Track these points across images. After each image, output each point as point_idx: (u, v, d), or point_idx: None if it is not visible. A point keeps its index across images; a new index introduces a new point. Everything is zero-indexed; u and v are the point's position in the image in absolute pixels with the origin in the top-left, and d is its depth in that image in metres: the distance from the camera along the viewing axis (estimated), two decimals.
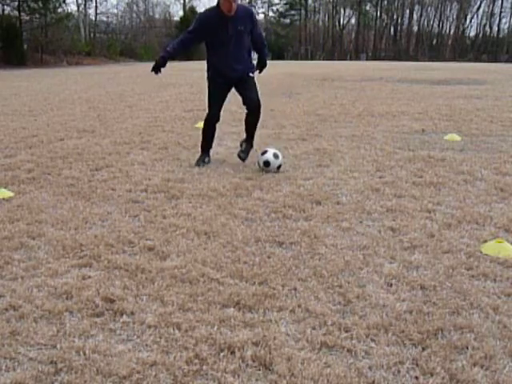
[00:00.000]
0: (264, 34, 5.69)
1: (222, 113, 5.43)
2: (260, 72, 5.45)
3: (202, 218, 3.74)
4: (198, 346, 2.17)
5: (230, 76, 5.18)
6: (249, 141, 5.55)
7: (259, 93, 5.36)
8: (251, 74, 5.30)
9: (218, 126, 7.90)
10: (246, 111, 5.44)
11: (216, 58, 5.20)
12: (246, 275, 2.82)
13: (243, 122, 8.19)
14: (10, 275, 2.84)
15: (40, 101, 11.84)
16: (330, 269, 2.90)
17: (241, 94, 5.37)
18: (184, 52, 5.45)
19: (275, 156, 5.07)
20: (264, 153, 5.13)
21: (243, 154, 5.45)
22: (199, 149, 6.22)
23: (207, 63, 5.35)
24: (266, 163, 5.05)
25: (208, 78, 5.37)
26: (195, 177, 4.90)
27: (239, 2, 5.05)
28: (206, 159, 5.49)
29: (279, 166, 5.09)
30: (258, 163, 5.14)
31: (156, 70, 5.21)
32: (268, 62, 5.57)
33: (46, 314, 2.43)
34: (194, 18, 5.26)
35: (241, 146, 5.60)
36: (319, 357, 2.11)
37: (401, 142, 6.65)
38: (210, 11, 5.10)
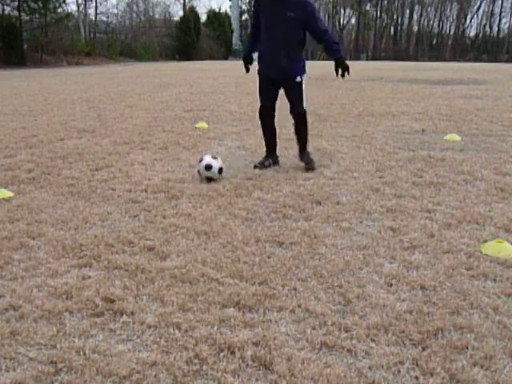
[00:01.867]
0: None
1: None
2: (342, 76, 4.75)
3: (202, 218, 3.74)
4: (198, 346, 2.17)
5: (274, 70, 4.84)
6: (304, 153, 5.21)
7: (305, 101, 5.01)
8: (298, 79, 4.88)
9: (217, 126, 7.94)
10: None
11: (263, 46, 4.89)
12: (245, 275, 2.82)
13: (243, 122, 8.25)
14: (10, 275, 2.84)
15: (40, 101, 11.84)
16: (330, 269, 2.90)
17: (287, 98, 5.08)
18: (257, 41, 5.05)
19: (207, 168, 4.70)
20: (201, 160, 4.78)
21: (309, 165, 5.10)
22: (199, 148, 6.24)
23: (258, 53, 5.04)
24: (208, 167, 4.69)
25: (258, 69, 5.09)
26: (195, 177, 4.90)
27: None
28: (267, 163, 5.15)
29: (220, 169, 4.76)
30: (199, 172, 4.78)
31: (247, 69, 5.11)
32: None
33: (45, 314, 2.43)
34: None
35: (301, 160, 5.23)
36: (319, 357, 2.11)
37: (401, 142, 6.65)
38: None
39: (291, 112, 5.09)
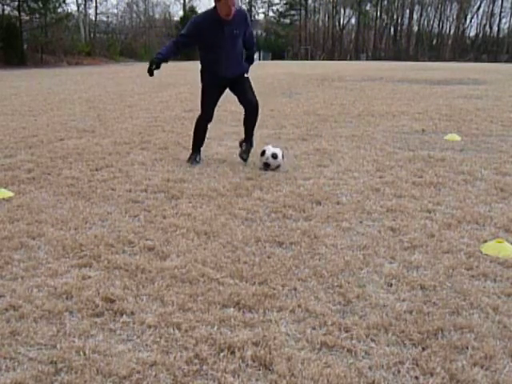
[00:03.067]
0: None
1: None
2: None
3: (201, 218, 3.74)
4: (198, 346, 2.17)
5: (226, 78, 5.22)
6: (248, 140, 5.58)
7: (255, 92, 5.40)
8: (246, 75, 5.33)
9: (217, 126, 7.94)
10: (243, 112, 5.47)
11: (211, 61, 5.20)
12: (245, 275, 2.82)
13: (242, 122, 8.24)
14: (10, 275, 2.84)
15: (40, 101, 11.84)
16: (330, 269, 2.90)
17: (238, 95, 5.39)
18: (176, 55, 5.31)
19: (273, 156, 5.13)
20: (263, 153, 5.18)
21: (245, 155, 5.48)
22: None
23: (201, 65, 5.34)
24: (267, 163, 5.13)
25: (202, 80, 5.37)
26: (195, 177, 4.91)
27: (237, 5, 5.03)
28: (198, 158, 5.53)
29: (278, 166, 5.15)
30: (266, 164, 5.16)
31: (150, 72, 5.11)
32: (257, 62, 5.50)
33: (45, 313, 2.43)
34: (189, 21, 5.19)
35: (240, 146, 5.62)
36: (319, 357, 2.11)
37: (401, 142, 6.65)
38: (206, 14, 5.07)
39: (247, 105, 5.37)
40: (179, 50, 5.17)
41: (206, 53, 5.20)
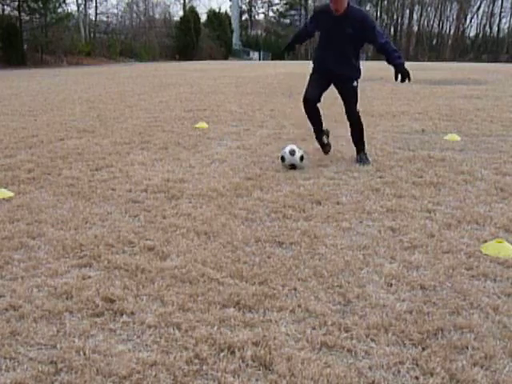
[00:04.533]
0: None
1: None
2: (402, 80, 5.04)
3: (202, 218, 3.74)
4: (198, 346, 2.17)
5: (331, 70, 5.21)
6: (360, 152, 5.51)
7: (357, 104, 5.34)
8: (355, 83, 5.24)
9: (217, 126, 7.95)
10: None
11: (321, 51, 5.35)
12: (245, 275, 2.82)
13: (243, 122, 8.25)
14: (10, 275, 2.84)
15: (40, 101, 11.84)
16: (330, 269, 2.90)
17: (342, 101, 5.40)
18: (304, 41, 5.88)
19: (291, 153, 5.17)
20: (284, 147, 5.32)
21: (365, 160, 5.41)
22: (199, 148, 6.24)
23: (314, 53, 5.60)
24: (283, 157, 5.22)
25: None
26: (195, 177, 4.90)
27: (353, 4, 5.01)
28: (324, 139, 5.57)
29: (292, 165, 5.18)
30: (283, 158, 5.23)
31: (287, 51, 5.63)
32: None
33: (46, 313, 2.43)
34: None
35: (358, 160, 5.47)
36: (319, 357, 2.11)
37: (401, 142, 6.65)
38: (324, 5, 5.21)
39: (347, 115, 5.43)
40: (302, 39, 5.67)
41: (320, 41, 5.36)
